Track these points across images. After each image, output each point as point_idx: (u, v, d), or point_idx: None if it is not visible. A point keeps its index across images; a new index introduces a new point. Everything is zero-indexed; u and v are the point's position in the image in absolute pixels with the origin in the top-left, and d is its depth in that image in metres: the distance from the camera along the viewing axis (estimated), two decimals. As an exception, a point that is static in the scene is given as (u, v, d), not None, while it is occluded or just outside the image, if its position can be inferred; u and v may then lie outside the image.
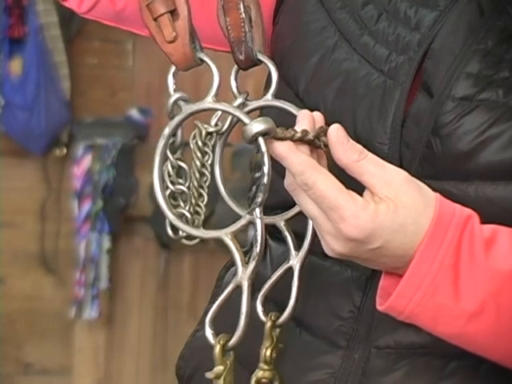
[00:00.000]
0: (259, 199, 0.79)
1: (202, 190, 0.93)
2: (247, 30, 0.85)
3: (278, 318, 0.89)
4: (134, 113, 2.89)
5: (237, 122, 0.85)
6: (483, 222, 0.87)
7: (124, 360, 2.86)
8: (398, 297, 0.82)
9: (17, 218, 2.89)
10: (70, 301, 2.67)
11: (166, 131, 0.79)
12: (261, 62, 0.86)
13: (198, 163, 0.93)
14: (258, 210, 0.79)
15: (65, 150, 2.82)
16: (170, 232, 0.88)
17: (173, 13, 0.80)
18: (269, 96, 0.86)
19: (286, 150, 0.78)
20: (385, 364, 0.91)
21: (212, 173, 0.93)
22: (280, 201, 0.92)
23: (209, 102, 0.79)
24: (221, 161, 0.90)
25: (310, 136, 0.79)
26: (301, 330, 0.96)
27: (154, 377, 2.79)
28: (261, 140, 0.77)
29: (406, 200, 0.81)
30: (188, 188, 0.87)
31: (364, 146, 0.90)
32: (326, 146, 0.82)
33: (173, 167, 0.85)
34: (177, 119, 0.79)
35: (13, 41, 2.74)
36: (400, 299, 0.82)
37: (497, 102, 0.88)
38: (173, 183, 0.86)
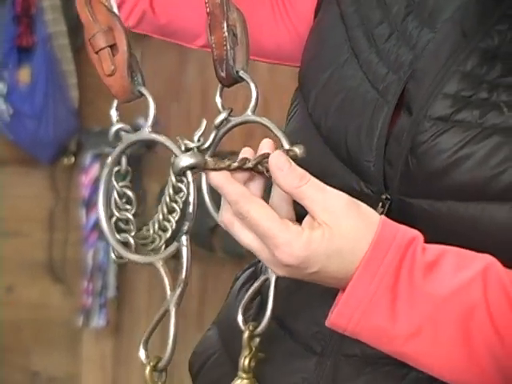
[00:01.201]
0: (185, 227, 0.81)
1: (166, 223, 0.94)
2: (229, 48, 0.87)
3: (256, 327, 0.91)
4: (142, 122, 2.85)
5: (221, 136, 0.86)
6: (455, 239, 0.87)
7: (131, 369, 2.85)
8: (337, 315, 0.83)
9: (24, 226, 2.90)
10: (77, 309, 2.69)
11: (109, 161, 0.81)
12: (242, 79, 0.87)
13: (167, 199, 0.95)
14: (184, 238, 0.81)
15: (73, 159, 2.83)
16: (112, 255, 0.90)
17: (113, 47, 0.83)
18: (249, 112, 0.87)
19: (221, 180, 0.80)
20: (351, 371, 0.94)
21: (183, 209, 0.93)
22: None
23: (147, 132, 0.82)
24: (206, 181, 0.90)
25: (250, 164, 0.81)
26: (284, 333, 0.99)
27: None
28: (188, 173, 0.80)
29: (343, 225, 0.81)
30: (134, 215, 0.88)
31: (354, 164, 0.95)
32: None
33: (119, 195, 0.87)
34: (118, 149, 0.81)
35: (21, 50, 2.72)
36: (340, 318, 0.83)
37: (472, 122, 0.88)
38: (120, 210, 0.87)
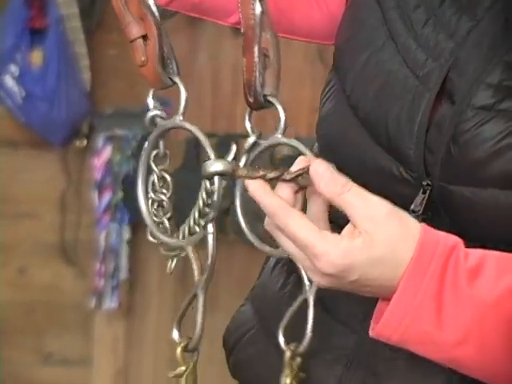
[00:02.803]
0: (211, 216, 0.83)
1: (196, 228, 0.94)
2: (258, 75, 0.87)
3: (297, 347, 0.92)
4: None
5: (253, 160, 0.87)
6: (495, 227, 0.89)
7: (143, 350, 2.88)
8: (383, 326, 0.83)
9: (37, 208, 2.92)
10: (89, 291, 2.70)
11: (146, 145, 0.84)
12: (271, 103, 0.87)
13: (200, 203, 0.93)
14: (209, 226, 0.83)
15: (85, 142, 2.84)
16: (149, 237, 0.92)
17: (145, 37, 0.84)
18: (278, 134, 0.87)
19: (257, 191, 0.81)
20: (390, 349, 0.92)
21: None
22: None
23: (178, 120, 0.84)
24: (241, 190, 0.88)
25: (288, 176, 0.82)
26: (325, 313, 0.99)
27: (173, 367, 2.80)
28: (216, 180, 0.81)
29: (385, 234, 0.82)
30: (169, 199, 0.92)
31: (394, 149, 0.94)
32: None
33: (158, 178, 0.89)
34: (154, 134, 0.84)
35: (33, 32, 2.74)
36: (385, 328, 0.83)
37: None
38: (156, 192, 0.89)
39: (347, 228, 0.83)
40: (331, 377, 0.99)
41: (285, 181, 0.83)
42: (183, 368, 0.86)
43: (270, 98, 0.87)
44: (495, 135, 0.88)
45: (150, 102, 0.85)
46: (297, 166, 0.84)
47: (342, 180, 0.83)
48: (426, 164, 0.93)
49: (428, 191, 0.94)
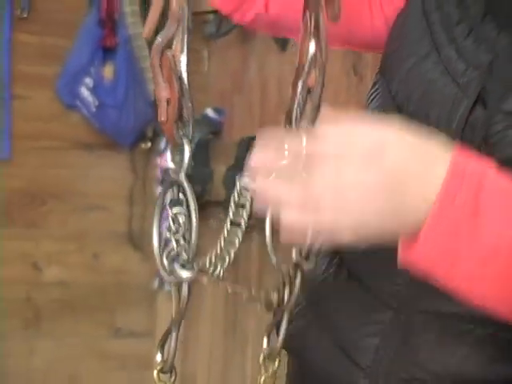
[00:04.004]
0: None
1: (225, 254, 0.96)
2: (295, 109, 0.90)
3: (271, 349, 0.98)
4: (210, 112, 3.01)
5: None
6: None
7: (199, 325, 2.98)
8: (425, 240, 0.77)
9: (108, 202, 3.14)
10: (153, 274, 2.87)
11: (159, 193, 0.87)
12: None
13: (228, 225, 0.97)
14: (185, 272, 0.85)
15: (149, 144, 3.06)
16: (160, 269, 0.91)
17: (168, 100, 0.87)
18: None
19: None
20: (425, 326, 0.98)
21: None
22: None
23: (183, 176, 0.86)
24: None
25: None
26: (363, 289, 1.02)
27: (226, 339, 2.89)
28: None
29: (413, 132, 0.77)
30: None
31: None
32: None
33: (173, 220, 0.90)
34: (163, 188, 0.87)
35: (105, 49, 2.95)
36: (426, 243, 0.77)
37: None
38: (171, 232, 0.90)
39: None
40: (371, 346, 1.01)
41: None
42: None
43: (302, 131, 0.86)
44: None
45: (169, 155, 0.89)
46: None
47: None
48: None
49: None
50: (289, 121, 0.90)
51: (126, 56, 2.96)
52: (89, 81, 2.96)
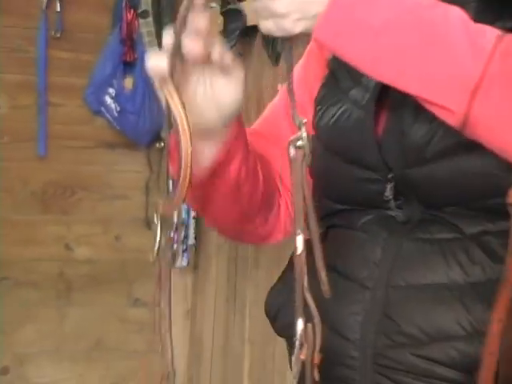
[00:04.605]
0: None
1: None
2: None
3: None
4: None
5: None
6: (446, 193, 0.96)
7: (205, 296, 3.11)
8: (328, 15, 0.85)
9: (128, 192, 3.29)
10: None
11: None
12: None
13: None
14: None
15: (162, 144, 3.08)
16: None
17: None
18: None
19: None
20: (399, 298, 0.99)
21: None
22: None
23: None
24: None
25: None
26: (342, 277, 1.03)
27: (227, 307, 2.95)
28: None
29: None
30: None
31: (364, 165, 1.01)
32: None
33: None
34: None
35: (126, 64, 3.08)
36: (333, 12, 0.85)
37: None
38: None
39: None
40: (356, 323, 1.01)
41: None
42: None
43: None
44: (425, 130, 0.96)
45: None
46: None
47: None
48: (386, 163, 1.00)
49: (393, 181, 1.00)
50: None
51: (144, 69, 2.74)
52: (112, 90, 3.07)
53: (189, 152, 0.84)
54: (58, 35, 3.15)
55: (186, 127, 0.84)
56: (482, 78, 0.83)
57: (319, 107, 1.10)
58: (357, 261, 1.03)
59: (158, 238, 0.88)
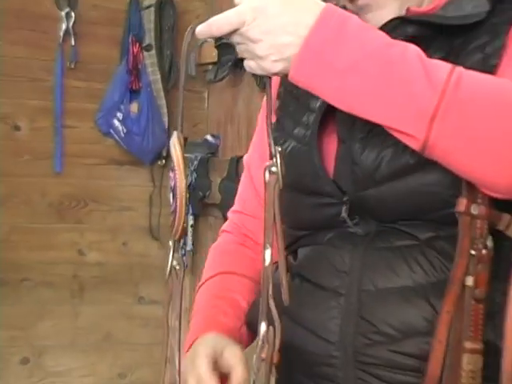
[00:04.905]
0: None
1: None
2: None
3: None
4: (209, 137, 3.19)
5: None
6: (396, 210, 0.96)
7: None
8: (305, 52, 0.85)
9: (134, 204, 3.37)
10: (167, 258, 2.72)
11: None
12: None
13: None
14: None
15: (164, 161, 3.28)
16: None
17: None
18: None
19: None
20: (371, 301, 0.98)
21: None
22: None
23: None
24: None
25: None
26: (316, 288, 1.03)
27: None
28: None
29: None
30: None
31: (322, 194, 1.01)
32: None
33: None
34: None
35: (132, 91, 3.19)
36: (308, 50, 0.85)
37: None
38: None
39: None
40: (335, 326, 1.00)
41: None
42: None
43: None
44: (373, 158, 0.96)
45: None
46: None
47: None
48: (340, 188, 1.00)
49: (348, 203, 1.00)
50: None
51: (147, 96, 3.18)
52: (119, 114, 3.16)
53: (183, 186, 0.90)
54: (73, 66, 3.23)
55: (181, 166, 0.91)
56: (437, 107, 0.84)
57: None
58: (328, 272, 1.02)
59: (170, 260, 0.92)
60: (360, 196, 0.98)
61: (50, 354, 3.30)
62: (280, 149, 0.90)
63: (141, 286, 3.38)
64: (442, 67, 0.86)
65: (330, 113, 1.00)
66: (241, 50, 0.88)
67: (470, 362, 0.94)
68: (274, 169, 0.90)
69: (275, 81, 1.07)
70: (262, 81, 0.94)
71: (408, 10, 1.01)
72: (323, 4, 0.87)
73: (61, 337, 3.31)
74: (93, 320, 3.32)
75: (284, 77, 0.91)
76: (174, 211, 0.91)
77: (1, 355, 3.24)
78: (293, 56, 0.86)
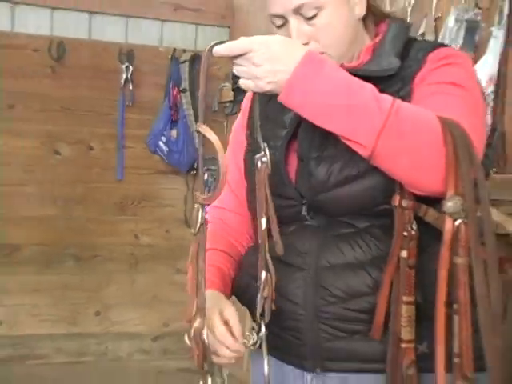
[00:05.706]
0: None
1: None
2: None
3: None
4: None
5: None
6: (344, 209, 1.12)
7: None
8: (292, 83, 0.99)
9: (174, 202, 4.03)
10: None
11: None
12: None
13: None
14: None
15: (195, 171, 3.87)
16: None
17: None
18: None
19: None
20: (328, 276, 1.18)
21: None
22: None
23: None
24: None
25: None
26: (281, 262, 1.20)
27: None
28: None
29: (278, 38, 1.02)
30: None
31: (286, 197, 1.19)
32: None
33: None
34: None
35: (173, 121, 3.89)
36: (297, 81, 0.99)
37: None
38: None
39: None
40: (300, 292, 1.19)
41: None
42: None
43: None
44: (325, 170, 1.15)
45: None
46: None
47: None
48: (300, 194, 1.19)
49: (306, 204, 1.20)
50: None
51: (183, 125, 3.89)
52: (164, 138, 3.88)
53: (224, 160, 0.96)
54: (131, 104, 3.95)
55: (221, 147, 0.96)
56: (384, 125, 0.99)
57: (246, 161, 1.26)
58: (294, 253, 1.18)
59: (200, 217, 0.99)
60: (315, 199, 1.16)
61: (115, 309, 3.96)
62: (266, 144, 1.05)
63: (179, 262, 3.98)
64: (387, 98, 1.03)
65: (293, 135, 1.19)
66: (240, 71, 1.02)
67: (406, 311, 1.08)
68: (264, 159, 1.04)
69: (249, 97, 1.29)
70: (237, 86, 1.10)
71: (342, 65, 1.19)
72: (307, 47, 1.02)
73: (122, 297, 3.98)
74: (144, 286, 3.99)
75: (262, 95, 1.07)
76: (217, 179, 1.00)
77: (80, 309, 3.90)
78: (283, 80, 1.01)
